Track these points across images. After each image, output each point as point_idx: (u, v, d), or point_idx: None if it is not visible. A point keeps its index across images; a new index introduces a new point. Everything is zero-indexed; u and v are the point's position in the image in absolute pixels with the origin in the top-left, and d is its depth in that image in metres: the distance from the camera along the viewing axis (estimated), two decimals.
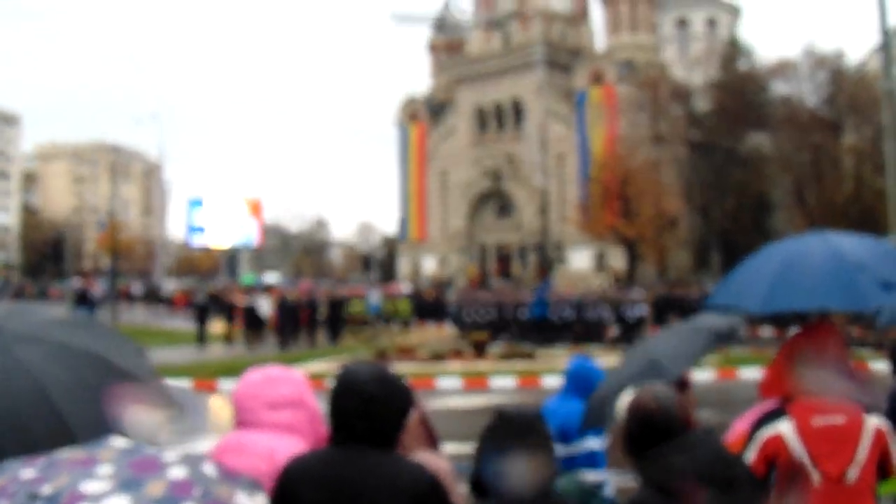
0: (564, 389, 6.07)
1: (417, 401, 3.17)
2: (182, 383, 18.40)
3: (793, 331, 4.36)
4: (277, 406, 3.28)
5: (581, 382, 5.93)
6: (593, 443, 5.70)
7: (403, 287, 46.68)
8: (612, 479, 5.75)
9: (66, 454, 1.57)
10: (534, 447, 2.89)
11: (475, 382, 19.65)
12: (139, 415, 2.31)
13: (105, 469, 1.49)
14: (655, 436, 3.17)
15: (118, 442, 1.63)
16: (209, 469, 1.58)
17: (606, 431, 5.70)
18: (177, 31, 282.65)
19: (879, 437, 3.88)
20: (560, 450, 5.52)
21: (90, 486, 1.44)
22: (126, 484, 1.45)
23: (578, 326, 29.87)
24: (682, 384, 4.93)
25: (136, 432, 2.06)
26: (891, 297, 4.06)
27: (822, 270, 4.13)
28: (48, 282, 78.39)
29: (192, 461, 1.58)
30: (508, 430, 2.92)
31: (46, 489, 1.45)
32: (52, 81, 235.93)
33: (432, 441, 3.94)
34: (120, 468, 1.50)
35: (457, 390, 19.00)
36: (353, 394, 2.91)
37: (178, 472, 1.52)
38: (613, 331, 29.61)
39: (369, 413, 2.87)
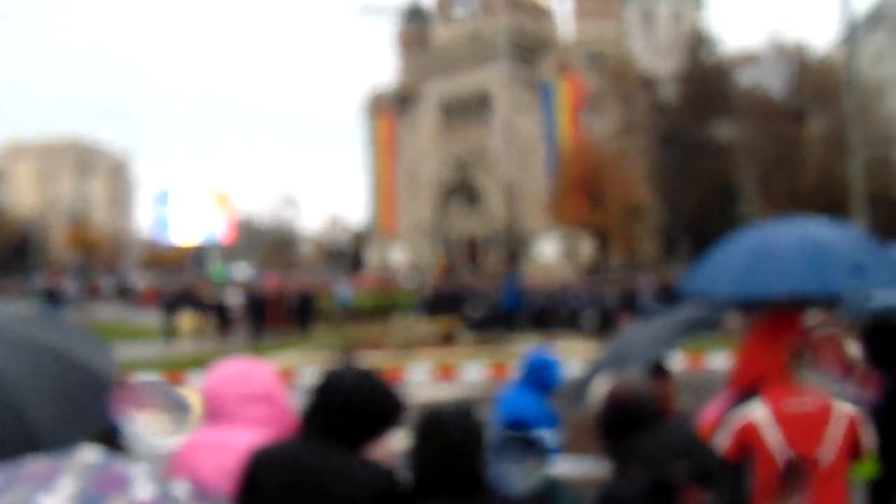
0: (520, 380, 6.02)
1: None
2: (151, 377, 18.29)
3: (757, 317, 4.36)
4: (251, 400, 3.25)
5: (537, 374, 5.90)
6: (546, 435, 5.66)
7: (403, 278, 45.76)
8: (570, 469, 5.71)
9: (32, 465, 1.51)
10: (467, 448, 2.85)
11: (445, 373, 19.65)
12: (141, 414, 2.27)
13: (66, 482, 1.43)
14: (630, 423, 3.17)
15: (88, 455, 1.57)
16: (180, 489, 1.53)
17: (562, 424, 5.70)
18: (142, 25, 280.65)
19: (850, 421, 3.90)
20: None
21: (47, 502, 1.39)
22: (86, 500, 1.39)
23: (590, 315, 29.87)
24: (661, 372, 4.91)
25: (138, 431, 2.02)
26: (860, 281, 4.07)
27: (792, 254, 4.13)
28: (14, 279, 77.63)
29: (162, 480, 1.53)
30: (441, 430, 2.86)
31: (3, 502, 1.40)
32: (16, 76, 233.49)
33: None
34: (83, 483, 1.44)
35: (427, 381, 18.99)
36: (336, 392, 2.91)
37: (144, 492, 1.46)
38: (626, 319, 29.61)
39: (346, 412, 2.86)
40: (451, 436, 2.81)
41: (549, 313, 30.75)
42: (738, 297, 4.26)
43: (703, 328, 5.19)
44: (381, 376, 3.04)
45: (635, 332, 5.58)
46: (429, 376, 19.43)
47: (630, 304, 29.81)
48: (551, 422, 5.70)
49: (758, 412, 3.87)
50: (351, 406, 2.87)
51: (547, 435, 5.67)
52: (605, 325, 28.33)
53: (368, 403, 2.90)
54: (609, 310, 29.76)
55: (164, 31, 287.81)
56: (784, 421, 3.82)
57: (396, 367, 19.93)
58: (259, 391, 3.26)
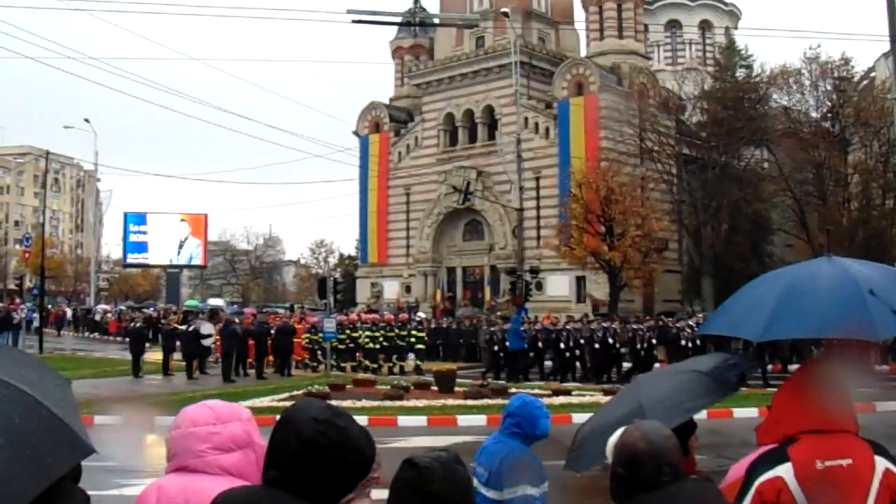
0: (503, 428, 5.98)
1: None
2: (114, 419, 18.18)
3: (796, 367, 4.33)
4: (225, 448, 3.19)
5: (522, 424, 5.86)
6: (531, 489, 5.64)
7: (395, 314, 44.94)
8: None
9: None
10: (451, 502, 2.76)
11: (442, 420, 19.50)
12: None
13: None
14: (643, 480, 3.10)
15: None
16: None
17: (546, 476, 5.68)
18: (122, 33, 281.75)
19: (890, 480, 3.82)
20: (494, 494, 5.55)
21: None
22: None
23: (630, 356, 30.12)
24: (685, 425, 4.79)
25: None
26: None
27: (829, 296, 4.07)
28: None
29: None
30: (423, 482, 2.76)
31: None
32: None
33: None
34: None
35: (421, 428, 18.84)
36: (290, 432, 2.72)
37: None
38: (662, 355, 29.81)
39: (302, 457, 2.68)
40: (432, 488, 2.72)
41: (560, 355, 30.65)
42: (768, 340, 4.24)
43: (733, 385, 5.11)
44: (350, 418, 2.82)
45: (654, 385, 5.46)
46: (423, 423, 19.32)
47: (667, 346, 29.94)
48: (538, 476, 5.69)
49: (783, 471, 3.80)
50: (308, 452, 2.68)
51: (532, 489, 5.65)
52: (632, 369, 28.32)
53: (329, 449, 2.69)
54: (638, 353, 29.79)
55: (146, 37, 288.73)
56: (812, 482, 3.74)
57: (388, 411, 19.85)
58: (237, 438, 3.21)
